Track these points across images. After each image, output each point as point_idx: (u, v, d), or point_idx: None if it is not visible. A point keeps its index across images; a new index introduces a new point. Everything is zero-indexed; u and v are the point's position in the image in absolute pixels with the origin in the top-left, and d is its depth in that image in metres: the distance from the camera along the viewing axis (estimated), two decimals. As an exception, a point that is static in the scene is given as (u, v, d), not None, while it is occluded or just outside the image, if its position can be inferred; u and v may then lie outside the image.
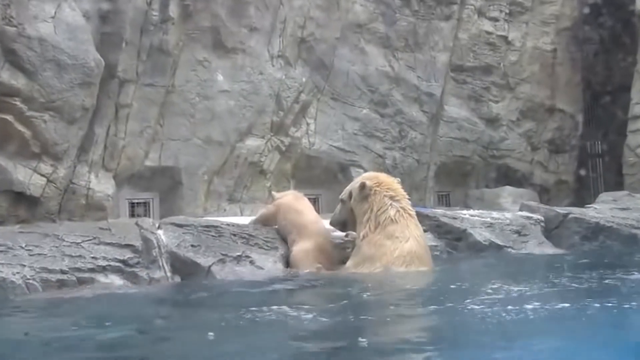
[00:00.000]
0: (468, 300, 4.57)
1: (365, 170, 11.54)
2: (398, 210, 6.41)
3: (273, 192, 7.95)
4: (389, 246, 6.26)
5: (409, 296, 5.41)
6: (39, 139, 8.20)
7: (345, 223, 6.84)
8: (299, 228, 6.80)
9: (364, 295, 5.48)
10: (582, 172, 13.99)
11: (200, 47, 10.04)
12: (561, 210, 8.88)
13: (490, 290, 4.98)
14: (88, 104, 8.52)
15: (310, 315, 4.46)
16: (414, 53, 12.29)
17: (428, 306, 4.84)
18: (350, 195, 6.72)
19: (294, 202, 7.17)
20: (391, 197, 6.48)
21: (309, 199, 11.72)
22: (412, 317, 4.63)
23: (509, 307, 4.30)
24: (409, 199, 6.68)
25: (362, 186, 6.55)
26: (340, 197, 6.97)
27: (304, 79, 11.10)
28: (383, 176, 6.83)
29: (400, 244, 6.26)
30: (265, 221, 7.23)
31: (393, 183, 6.67)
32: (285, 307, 4.60)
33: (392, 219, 6.35)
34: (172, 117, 9.81)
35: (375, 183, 6.57)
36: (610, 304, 4.44)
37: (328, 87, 11.42)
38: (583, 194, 13.66)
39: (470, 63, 13.01)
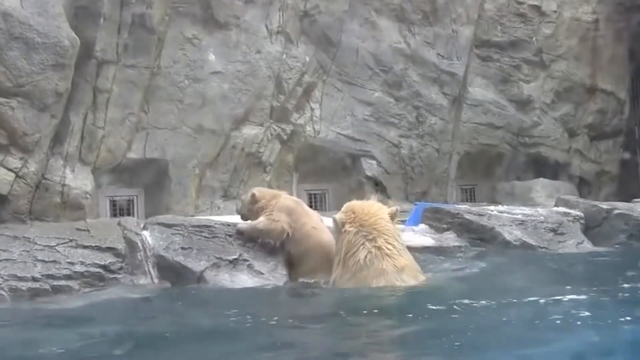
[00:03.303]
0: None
1: (378, 162, 11.60)
2: (370, 252, 6.05)
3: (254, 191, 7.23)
4: None
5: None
6: (6, 128, 8.20)
7: None
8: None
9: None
10: (627, 159, 13.92)
11: (189, 22, 10.03)
12: (604, 205, 8.87)
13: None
14: (62, 88, 8.52)
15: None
16: (433, 27, 12.25)
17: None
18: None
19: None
20: (365, 236, 6.10)
21: (314, 194, 11.93)
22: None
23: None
24: (396, 235, 6.27)
25: (334, 222, 6.31)
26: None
27: (307, 58, 11.08)
28: (363, 206, 6.38)
29: None
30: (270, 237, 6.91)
31: (374, 215, 6.27)
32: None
33: (361, 264, 6.02)
34: (158, 102, 9.81)
35: (349, 217, 6.24)
36: None
37: (335, 67, 11.40)
38: (629, 187, 13.61)
39: (498, 38, 12.96)
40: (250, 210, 7.10)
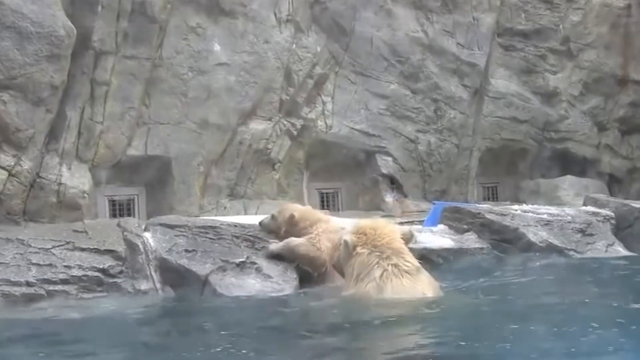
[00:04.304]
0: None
1: (394, 158, 11.56)
2: (386, 270, 5.89)
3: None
4: None
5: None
6: (-2, 123, 8.24)
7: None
8: None
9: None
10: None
11: (193, 10, 10.02)
12: (636, 204, 8.80)
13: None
14: (57, 80, 8.53)
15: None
16: (452, 14, 12.20)
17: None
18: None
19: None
20: (379, 255, 5.95)
21: (326, 193, 11.91)
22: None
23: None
24: (411, 255, 6.08)
25: (345, 244, 6.12)
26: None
27: (318, 48, 11.06)
28: (374, 227, 6.17)
29: None
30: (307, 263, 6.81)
31: (386, 236, 6.09)
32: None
33: (377, 282, 5.84)
34: (160, 96, 9.81)
35: (360, 240, 6.06)
36: None
37: (348, 57, 11.37)
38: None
39: (522, 25, 12.90)
40: (288, 231, 6.95)
